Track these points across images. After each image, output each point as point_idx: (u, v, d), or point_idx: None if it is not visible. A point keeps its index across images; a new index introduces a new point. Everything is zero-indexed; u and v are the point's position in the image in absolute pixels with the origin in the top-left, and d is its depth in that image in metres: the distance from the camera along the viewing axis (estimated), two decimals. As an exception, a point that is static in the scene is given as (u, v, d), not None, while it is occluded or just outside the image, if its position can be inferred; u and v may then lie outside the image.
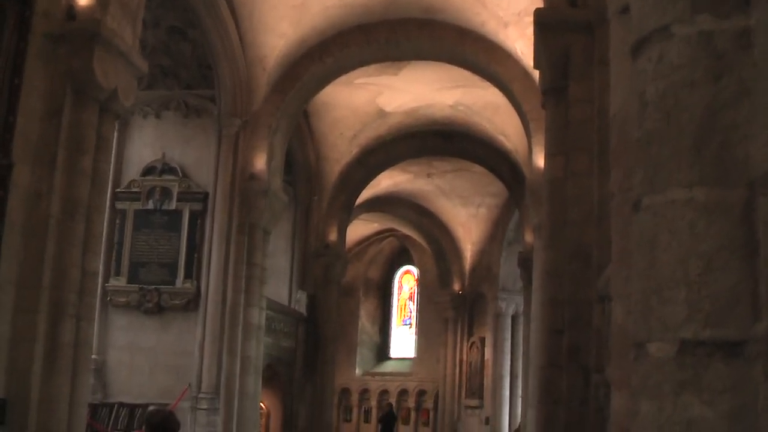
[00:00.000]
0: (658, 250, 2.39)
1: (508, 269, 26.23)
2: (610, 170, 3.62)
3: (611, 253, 3.54)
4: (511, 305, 26.68)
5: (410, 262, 35.01)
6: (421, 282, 34.33)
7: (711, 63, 2.39)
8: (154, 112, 17.22)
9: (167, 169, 17.01)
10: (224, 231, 16.40)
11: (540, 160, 13.73)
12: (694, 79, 2.41)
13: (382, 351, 35.22)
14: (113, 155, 13.10)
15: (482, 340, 28.08)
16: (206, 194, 16.71)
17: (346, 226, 23.97)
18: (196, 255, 16.49)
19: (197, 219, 16.63)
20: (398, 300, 35.97)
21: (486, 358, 27.51)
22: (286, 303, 21.35)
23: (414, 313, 34.99)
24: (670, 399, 2.28)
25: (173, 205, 16.73)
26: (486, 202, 27.25)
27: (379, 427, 25.41)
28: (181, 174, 16.91)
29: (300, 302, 21.76)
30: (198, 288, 16.33)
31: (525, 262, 20.74)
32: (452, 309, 29.59)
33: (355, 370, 33.79)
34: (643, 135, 2.52)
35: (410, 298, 35.59)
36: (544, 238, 9.59)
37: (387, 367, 34.32)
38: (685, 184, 2.37)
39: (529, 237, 20.44)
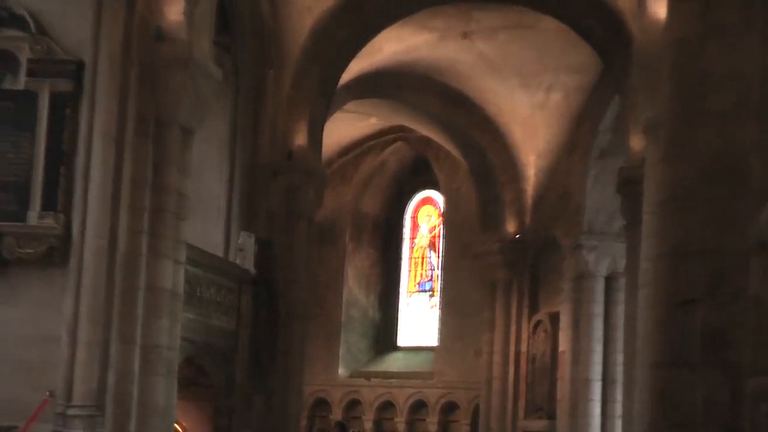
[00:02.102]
0: None
1: (599, 197, 26.40)
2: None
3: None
4: (604, 259, 26.84)
5: (432, 185, 35.17)
6: (450, 219, 34.50)
7: None
8: None
9: (9, 18, 16.86)
10: (112, 129, 16.36)
11: (659, 7, 13.63)
12: None
13: (383, 336, 35.62)
14: None
15: (554, 319, 28.33)
16: (80, 64, 16.65)
17: (324, 122, 24.15)
18: (63, 170, 16.45)
19: (65, 107, 16.58)
20: (411, 250, 36.23)
21: (561, 349, 27.76)
22: (221, 254, 21.61)
23: (438, 273, 35.20)
24: None
25: (21, 83, 16.67)
26: (562, 82, 27.37)
27: None
28: (34, 29, 16.77)
29: (245, 252, 21.79)
30: (67, 227, 16.33)
31: (629, 186, 20.84)
32: (504, 266, 29.96)
33: (337, 368, 34.15)
34: None
35: (431, 246, 35.80)
36: (665, 143, 9.48)
37: (392, 363, 34.74)
38: None
39: (636, 143, 20.41)
